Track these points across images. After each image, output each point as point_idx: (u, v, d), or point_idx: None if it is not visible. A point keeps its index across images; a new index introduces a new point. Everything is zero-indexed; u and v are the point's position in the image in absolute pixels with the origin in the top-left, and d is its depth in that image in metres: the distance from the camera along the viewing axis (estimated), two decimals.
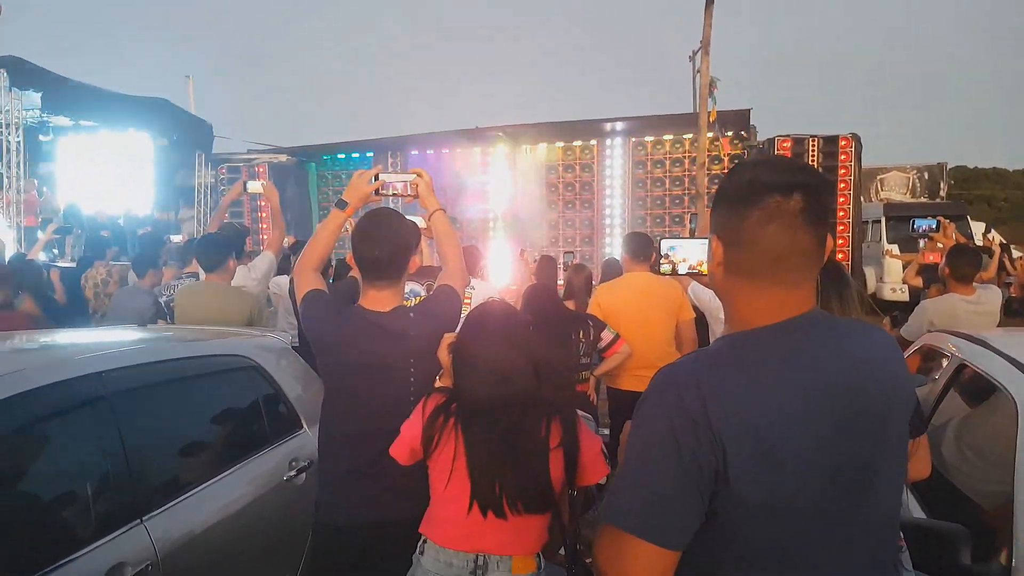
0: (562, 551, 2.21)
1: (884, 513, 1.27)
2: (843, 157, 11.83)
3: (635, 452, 1.24)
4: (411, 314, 2.46)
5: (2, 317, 4.26)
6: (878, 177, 20.42)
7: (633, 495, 1.21)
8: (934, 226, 6.27)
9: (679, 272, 1.61)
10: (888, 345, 1.33)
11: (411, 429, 2.12)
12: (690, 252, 1.62)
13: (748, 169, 1.30)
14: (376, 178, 2.62)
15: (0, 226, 10.89)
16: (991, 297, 4.58)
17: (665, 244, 1.63)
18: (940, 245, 6.05)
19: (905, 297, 11.30)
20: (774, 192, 1.22)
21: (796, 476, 1.17)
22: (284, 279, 5.54)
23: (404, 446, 2.13)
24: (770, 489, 1.17)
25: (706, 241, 1.51)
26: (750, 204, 1.24)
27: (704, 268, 1.54)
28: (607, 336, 4.33)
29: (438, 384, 2.31)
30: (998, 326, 4.47)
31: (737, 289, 1.30)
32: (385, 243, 2.39)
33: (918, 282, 6.61)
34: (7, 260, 7.24)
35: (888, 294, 14.28)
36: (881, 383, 1.26)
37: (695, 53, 14.53)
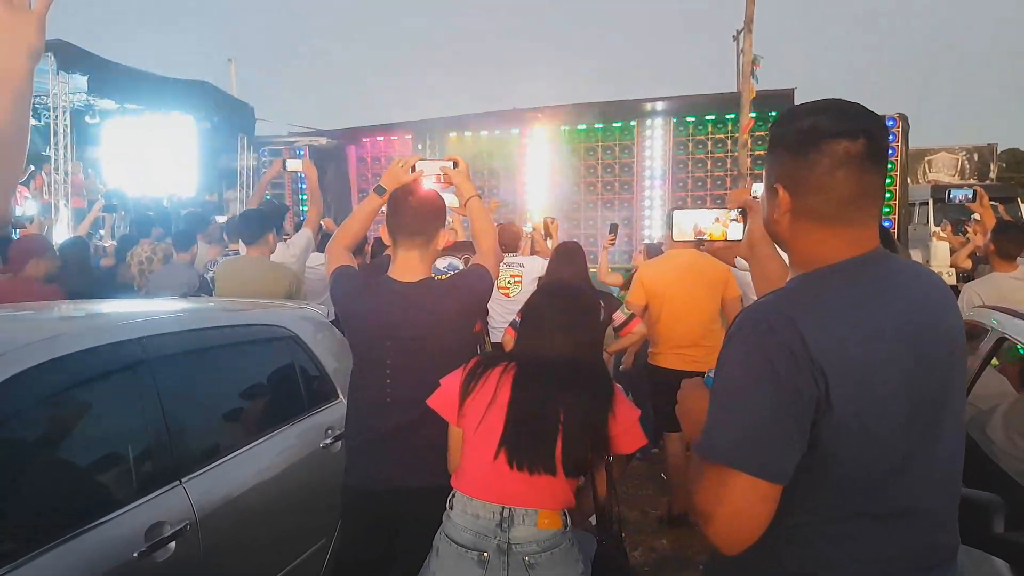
0: (593, 519, 2.21)
1: (951, 451, 1.30)
2: (890, 138, 11.60)
3: (730, 388, 1.25)
4: (438, 287, 2.50)
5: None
6: (926, 158, 19.98)
7: (731, 430, 1.22)
8: (970, 195, 6.12)
9: (688, 239, 1.65)
10: (946, 288, 1.37)
11: (451, 381, 2.17)
12: (700, 220, 1.65)
13: (806, 116, 1.31)
14: (414, 168, 2.64)
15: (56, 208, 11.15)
16: None
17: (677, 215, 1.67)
18: (976, 217, 5.90)
19: (953, 280, 11.06)
20: (840, 138, 1.26)
21: (885, 405, 1.20)
22: (321, 256, 5.59)
23: (441, 396, 2.18)
24: (866, 417, 1.19)
25: (714, 212, 1.57)
26: (816, 151, 1.27)
27: (712, 235, 1.59)
28: (620, 316, 4.22)
29: None
30: None
31: (806, 233, 1.33)
32: (418, 203, 2.51)
33: (968, 264, 6.50)
34: (61, 243, 7.39)
35: None
36: (945, 321, 1.31)
37: (739, 33, 14.25)
